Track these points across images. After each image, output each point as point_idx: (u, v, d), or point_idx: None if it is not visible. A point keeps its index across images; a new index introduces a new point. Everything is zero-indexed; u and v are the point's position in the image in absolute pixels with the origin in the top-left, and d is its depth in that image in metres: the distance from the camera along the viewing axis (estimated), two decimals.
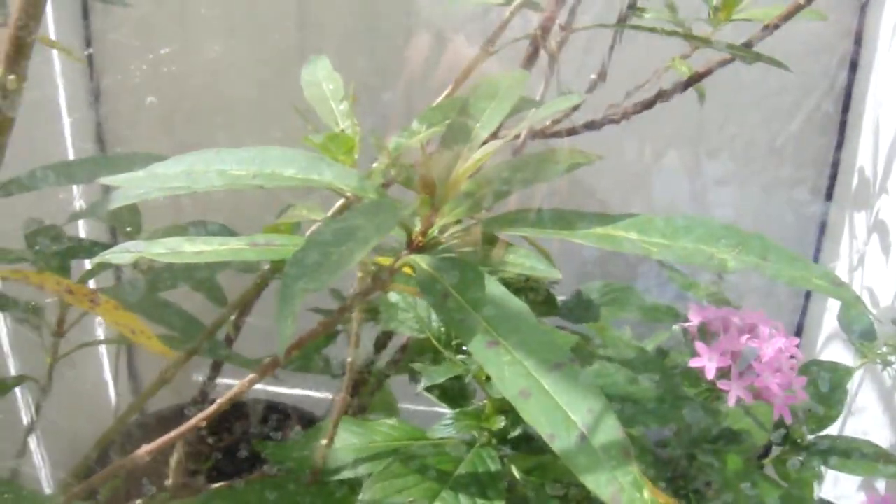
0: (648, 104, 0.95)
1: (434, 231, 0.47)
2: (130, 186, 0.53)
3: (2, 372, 1.08)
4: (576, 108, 0.94)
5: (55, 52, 1.12)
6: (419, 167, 0.45)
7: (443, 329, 0.66)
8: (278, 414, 1.28)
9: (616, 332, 0.83)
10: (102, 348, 1.34)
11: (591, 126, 0.93)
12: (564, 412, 0.37)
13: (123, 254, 0.51)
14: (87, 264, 1.03)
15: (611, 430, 0.36)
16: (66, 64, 1.17)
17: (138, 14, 1.10)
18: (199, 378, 1.15)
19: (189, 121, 1.20)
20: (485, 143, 0.49)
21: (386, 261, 0.50)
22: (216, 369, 1.21)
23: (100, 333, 1.22)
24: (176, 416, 1.21)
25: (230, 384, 1.22)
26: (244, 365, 0.88)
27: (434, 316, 0.67)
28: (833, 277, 0.43)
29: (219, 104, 1.21)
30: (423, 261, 0.44)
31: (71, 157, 1.20)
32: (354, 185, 0.48)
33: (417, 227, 0.47)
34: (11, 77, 0.30)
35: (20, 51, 0.30)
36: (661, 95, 0.94)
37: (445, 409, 0.67)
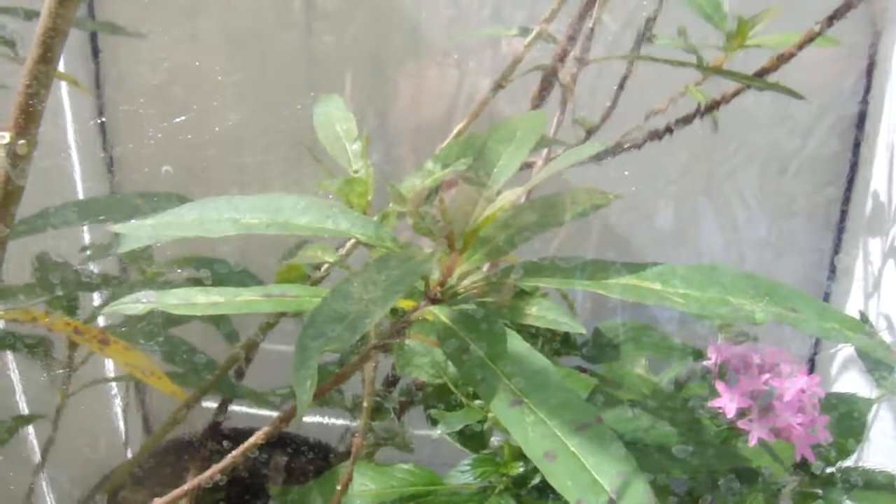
0: (663, 133, 0.94)
1: (453, 279, 0.46)
2: (140, 233, 0.52)
3: (12, 409, 1.07)
4: (589, 134, 0.93)
5: (69, 121, 1.13)
6: (438, 215, 0.44)
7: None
8: (289, 443, 1.27)
9: (632, 366, 0.82)
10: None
11: (603, 155, 0.93)
12: (592, 475, 0.36)
13: (135, 304, 0.50)
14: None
15: (640, 495, 0.35)
16: (80, 133, 1.17)
17: (152, 83, 1.10)
18: (209, 404, 1.14)
19: (205, 190, 1.20)
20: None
21: (405, 304, 0.49)
22: (226, 403, 1.20)
23: (110, 367, 1.22)
24: (186, 446, 1.20)
25: (240, 411, 1.21)
26: (258, 402, 0.87)
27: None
28: (862, 327, 0.42)
29: (233, 172, 1.21)
30: (442, 313, 0.43)
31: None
32: (371, 235, 0.47)
33: (436, 276, 0.46)
34: (21, 142, 0.30)
35: (30, 116, 0.30)
36: (676, 124, 0.94)
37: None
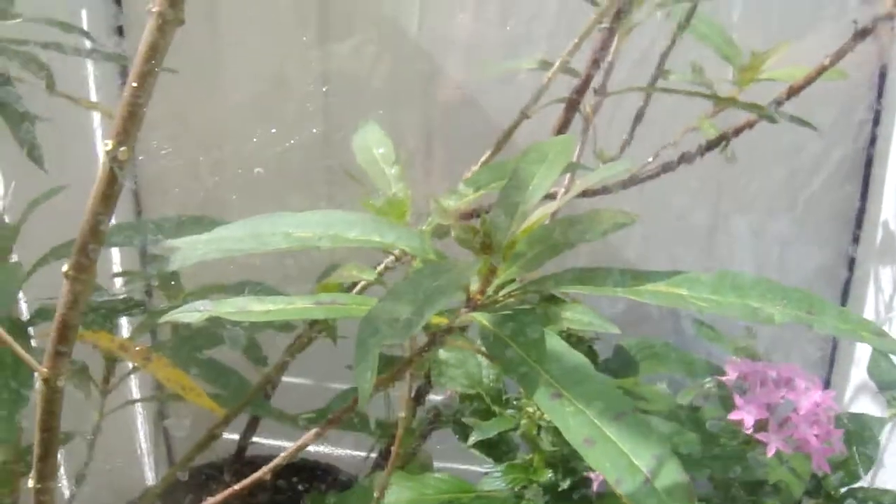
0: (677, 163, 0.98)
1: (491, 288, 0.50)
2: (195, 250, 0.55)
3: None
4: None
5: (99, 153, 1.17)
6: (479, 229, 0.48)
7: (493, 385, 0.68)
8: (306, 470, 1.29)
9: (651, 386, 0.85)
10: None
11: (623, 185, 0.96)
12: (629, 458, 0.39)
13: (193, 313, 0.53)
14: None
15: (674, 474, 0.38)
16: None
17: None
18: (228, 435, 1.16)
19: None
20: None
21: (439, 319, 0.52)
22: (253, 427, 1.23)
23: (134, 389, 1.25)
24: (210, 473, 1.23)
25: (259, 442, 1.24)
26: (290, 423, 0.90)
27: (484, 372, 0.70)
28: (877, 329, 0.45)
29: (258, 201, 1.25)
30: (484, 319, 0.47)
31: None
32: (416, 247, 0.50)
33: (475, 287, 0.49)
34: (123, 149, 0.33)
35: (130, 125, 0.33)
36: (691, 155, 0.97)
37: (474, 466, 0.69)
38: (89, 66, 1.21)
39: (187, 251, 0.59)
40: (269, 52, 1.23)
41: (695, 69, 0.98)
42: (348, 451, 1.30)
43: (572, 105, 0.81)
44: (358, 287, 0.75)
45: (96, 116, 1.18)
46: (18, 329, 0.75)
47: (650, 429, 0.40)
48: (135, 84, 0.33)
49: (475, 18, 1.17)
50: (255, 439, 1.24)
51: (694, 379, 0.85)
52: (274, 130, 1.19)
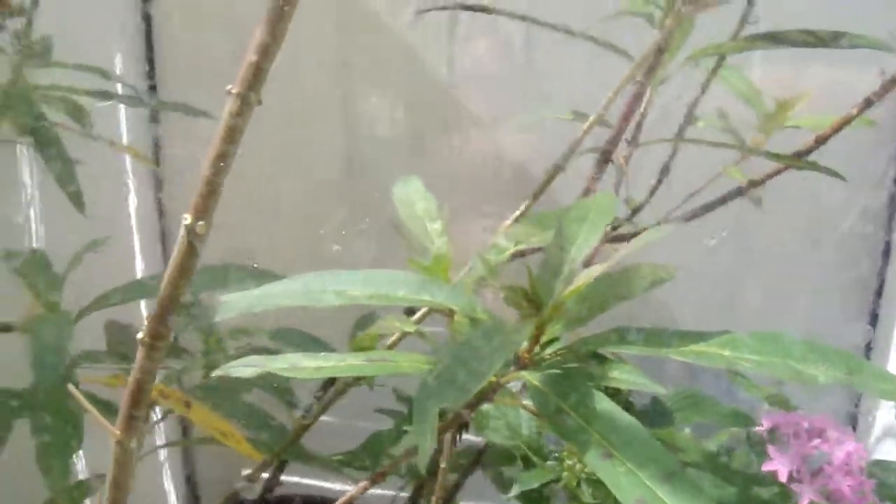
0: (704, 210, 0.99)
1: (539, 347, 0.51)
2: (243, 302, 0.57)
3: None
4: (636, 211, 0.98)
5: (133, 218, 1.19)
6: (526, 290, 0.50)
7: (534, 436, 0.70)
8: None
9: (681, 433, 0.86)
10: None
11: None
12: None
13: (245, 368, 0.55)
14: None
15: None
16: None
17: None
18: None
19: None
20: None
21: None
22: (281, 468, 1.24)
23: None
24: None
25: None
26: (323, 465, 0.91)
27: (525, 423, 0.71)
28: None
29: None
30: (534, 378, 0.48)
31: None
32: (464, 305, 0.52)
33: (524, 345, 0.51)
34: (201, 223, 0.35)
35: (208, 200, 0.35)
36: (719, 202, 0.99)
37: None
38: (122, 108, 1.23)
39: (235, 303, 0.60)
40: (298, 106, 1.24)
41: (721, 116, 1.00)
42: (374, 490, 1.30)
43: (606, 156, 0.82)
44: (394, 337, 0.76)
45: (127, 158, 1.20)
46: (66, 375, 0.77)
47: (698, 488, 0.41)
48: (214, 163, 0.35)
49: (502, 67, 1.19)
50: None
51: (724, 427, 0.87)
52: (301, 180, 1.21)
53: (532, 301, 0.50)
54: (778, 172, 0.98)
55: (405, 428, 0.95)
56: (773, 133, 1.00)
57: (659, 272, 0.58)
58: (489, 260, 0.59)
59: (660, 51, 0.79)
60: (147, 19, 1.22)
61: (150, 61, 1.26)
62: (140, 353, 0.40)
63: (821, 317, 1.25)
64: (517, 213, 0.79)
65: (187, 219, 0.36)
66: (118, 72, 1.18)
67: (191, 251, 0.36)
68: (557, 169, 0.78)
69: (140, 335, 0.41)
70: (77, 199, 0.88)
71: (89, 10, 1.12)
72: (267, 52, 0.35)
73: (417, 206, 0.67)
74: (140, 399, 0.41)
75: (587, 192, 0.83)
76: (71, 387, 0.50)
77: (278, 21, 0.34)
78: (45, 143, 0.90)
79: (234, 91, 0.35)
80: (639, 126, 0.86)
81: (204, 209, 0.35)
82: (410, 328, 0.67)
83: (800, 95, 1.00)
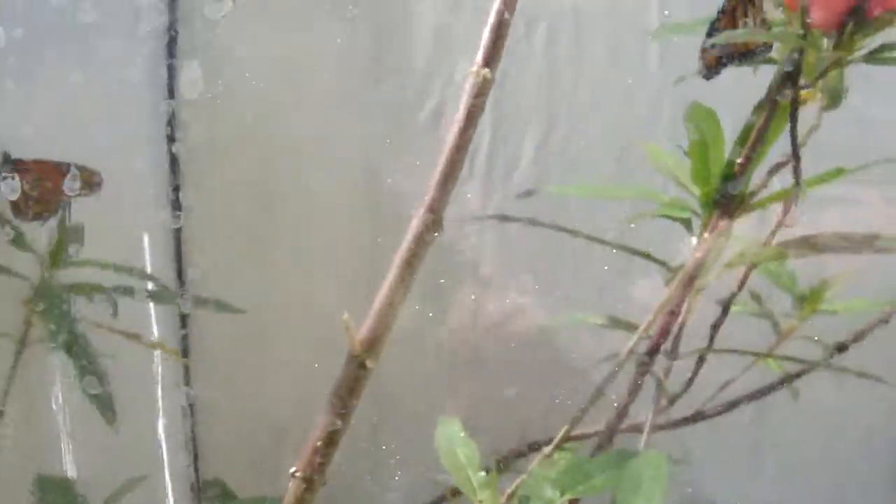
0: (739, 402, 0.97)
1: None
2: None
3: None
4: (672, 402, 0.95)
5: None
6: None
7: None
8: None
9: None
10: None
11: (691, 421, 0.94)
12: None
13: None
14: None
15: None
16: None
17: None
18: None
19: None
20: None
21: None
22: None
23: None
24: None
25: None
26: None
27: None
28: None
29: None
30: None
31: None
32: None
33: None
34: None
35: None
36: (753, 396, 0.96)
37: None
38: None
39: None
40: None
41: (754, 299, 0.98)
42: None
43: (644, 368, 0.80)
44: None
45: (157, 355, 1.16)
46: None
47: None
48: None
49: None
50: None
51: None
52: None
53: None
54: (815, 364, 0.95)
55: None
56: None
57: None
58: None
59: (699, 263, 0.78)
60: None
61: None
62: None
63: None
64: (560, 435, 0.76)
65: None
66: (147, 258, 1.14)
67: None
68: (598, 394, 0.75)
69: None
70: (108, 416, 0.84)
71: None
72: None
73: (459, 453, 0.65)
74: None
75: (623, 409, 0.81)
76: None
77: None
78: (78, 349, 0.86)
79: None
80: (677, 337, 0.84)
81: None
82: None
83: (834, 279, 0.99)
